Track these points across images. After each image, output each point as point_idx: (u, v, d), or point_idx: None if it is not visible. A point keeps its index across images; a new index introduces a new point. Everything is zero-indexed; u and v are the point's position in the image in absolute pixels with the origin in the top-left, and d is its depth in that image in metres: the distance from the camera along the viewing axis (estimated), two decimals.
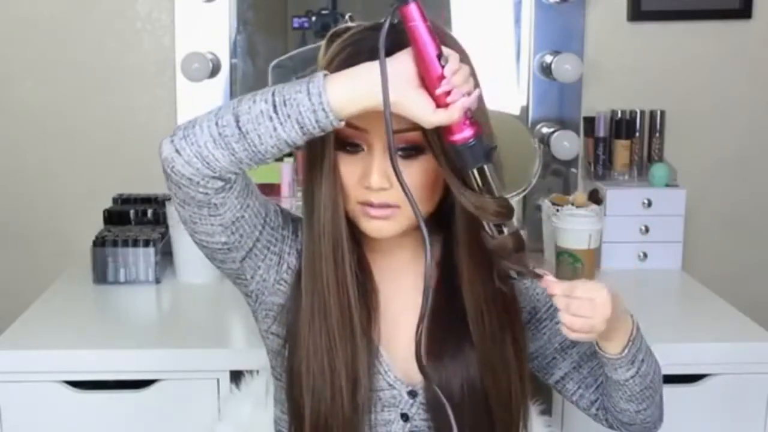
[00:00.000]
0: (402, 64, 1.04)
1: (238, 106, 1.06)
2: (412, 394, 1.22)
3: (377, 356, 1.21)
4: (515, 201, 2.26)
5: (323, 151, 1.15)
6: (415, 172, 1.14)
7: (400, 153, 1.12)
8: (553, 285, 1.13)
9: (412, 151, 1.14)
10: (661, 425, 1.35)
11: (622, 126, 2.31)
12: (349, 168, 1.15)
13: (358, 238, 1.22)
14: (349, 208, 1.17)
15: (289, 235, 1.22)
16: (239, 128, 1.05)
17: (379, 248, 1.24)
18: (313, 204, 1.17)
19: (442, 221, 1.23)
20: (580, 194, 2.14)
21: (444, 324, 1.22)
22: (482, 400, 1.21)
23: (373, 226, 1.17)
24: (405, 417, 1.22)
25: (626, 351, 1.19)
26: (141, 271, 2.12)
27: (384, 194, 1.14)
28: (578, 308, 1.11)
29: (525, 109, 2.36)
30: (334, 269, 1.18)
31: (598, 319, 1.11)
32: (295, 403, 1.20)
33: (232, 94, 2.32)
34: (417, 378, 1.21)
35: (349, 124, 1.10)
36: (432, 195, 1.18)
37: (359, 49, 1.12)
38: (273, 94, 1.05)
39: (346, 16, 2.30)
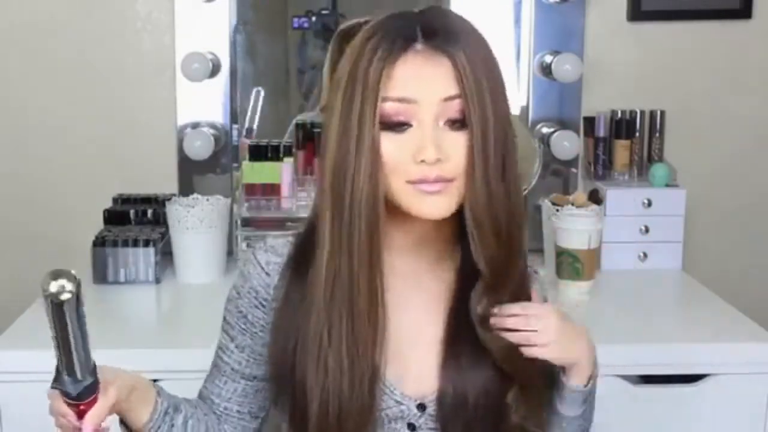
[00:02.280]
0: None
1: None
2: (421, 407, 1.20)
3: (382, 381, 1.17)
4: None
5: (361, 129, 1.09)
6: (466, 145, 1.10)
7: (448, 123, 1.10)
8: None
9: (462, 122, 1.10)
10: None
11: (622, 126, 2.31)
12: (397, 145, 1.09)
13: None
14: (396, 190, 1.11)
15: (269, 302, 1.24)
16: None
17: (397, 247, 1.20)
18: (345, 184, 1.11)
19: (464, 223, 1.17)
20: (580, 194, 2.14)
21: (463, 334, 1.20)
22: (500, 407, 1.19)
23: (429, 203, 1.11)
24: (412, 427, 1.21)
25: (588, 385, 1.22)
26: (141, 271, 2.12)
27: (439, 167, 1.09)
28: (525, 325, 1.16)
29: (525, 109, 2.36)
30: (368, 250, 1.12)
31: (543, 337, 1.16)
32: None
33: (232, 94, 2.32)
34: (428, 391, 1.20)
35: (394, 99, 1.08)
36: None
37: (389, 29, 1.12)
38: None
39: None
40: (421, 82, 1.09)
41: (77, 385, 1.09)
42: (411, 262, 1.22)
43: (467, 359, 1.18)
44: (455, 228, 1.18)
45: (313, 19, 2.36)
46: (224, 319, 1.29)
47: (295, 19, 2.37)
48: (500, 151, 1.12)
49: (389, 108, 1.09)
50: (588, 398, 1.24)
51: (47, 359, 1.73)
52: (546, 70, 2.28)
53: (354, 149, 1.10)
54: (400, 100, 1.09)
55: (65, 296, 1.01)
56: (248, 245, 2.19)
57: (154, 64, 2.34)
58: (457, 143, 1.10)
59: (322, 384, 1.14)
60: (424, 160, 1.08)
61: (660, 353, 1.79)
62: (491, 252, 1.14)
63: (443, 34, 1.10)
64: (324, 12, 2.36)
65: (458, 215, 1.14)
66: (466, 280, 1.20)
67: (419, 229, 1.18)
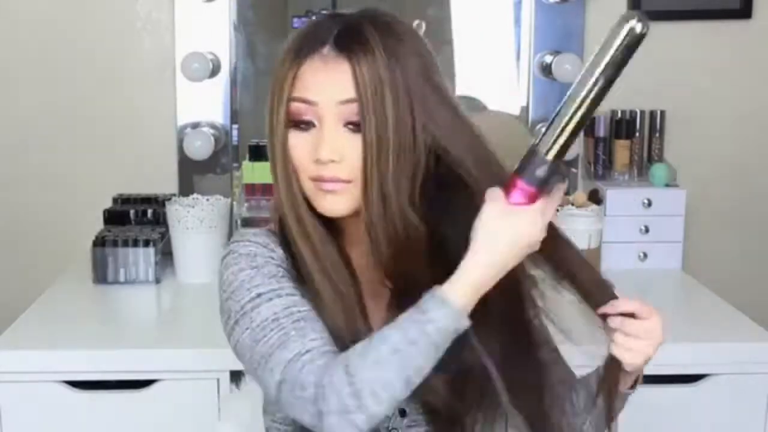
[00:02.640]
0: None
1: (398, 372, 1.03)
2: (402, 412, 1.21)
3: None
4: None
5: (275, 131, 1.14)
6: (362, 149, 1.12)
7: (349, 126, 1.12)
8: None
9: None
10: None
11: (622, 126, 2.31)
12: (300, 144, 1.13)
13: (333, 234, 1.19)
14: (305, 187, 1.15)
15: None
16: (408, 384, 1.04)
17: (355, 241, 1.20)
18: (277, 183, 1.17)
19: None
20: (580, 194, 2.14)
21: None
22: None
23: (327, 201, 1.14)
24: (402, 412, 1.22)
25: (634, 389, 1.26)
26: (141, 271, 2.12)
27: (335, 167, 1.12)
28: (633, 330, 1.20)
29: (525, 109, 2.36)
30: (309, 244, 1.16)
31: (650, 343, 1.20)
32: None
33: (232, 94, 2.32)
34: None
35: (298, 99, 1.12)
36: None
37: (310, 30, 1.15)
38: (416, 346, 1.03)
39: None
40: (320, 85, 1.11)
41: (545, 168, 1.06)
42: (366, 256, 1.20)
43: None
44: None
45: (313, 19, 2.36)
46: (261, 295, 1.14)
47: (295, 19, 2.37)
48: (406, 161, 1.11)
49: (294, 107, 1.13)
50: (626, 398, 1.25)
51: (47, 359, 1.75)
52: (546, 70, 2.28)
53: (273, 146, 1.15)
54: (303, 100, 1.12)
55: (645, 30, 1.04)
56: None
57: (154, 64, 2.34)
58: (355, 146, 1.11)
59: None
60: (319, 159, 1.12)
61: (660, 353, 1.78)
62: (386, 262, 1.14)
63: (353, 38, 1.12)
64: (324, 12, 2.35)
65: None
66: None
67: (359, 224, 1.17)
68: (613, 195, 2.22)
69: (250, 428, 1.44)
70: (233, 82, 2.32)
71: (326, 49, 1.12)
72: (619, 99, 2.35)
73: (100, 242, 2.11)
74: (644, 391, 1.78)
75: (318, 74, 1.12)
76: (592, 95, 1.04)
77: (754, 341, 1.82)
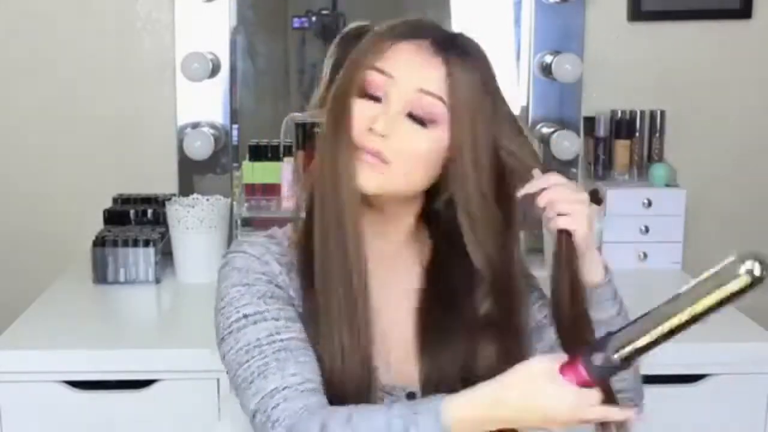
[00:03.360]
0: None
1: None
2: (411, 395, 1.21)
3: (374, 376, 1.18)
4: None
5: (344, 96, 1.14)
6: (421, 139, 1.13)
7: (411, 116, 1.13)
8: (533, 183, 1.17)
9: (427, 122, 1.13)
10: (641, 401, 1.32)
11: (622, 126, 2.31)
12: (363, 113, 1.13)
13: None
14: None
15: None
16: None
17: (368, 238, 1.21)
18: (336, 152, 1.14)
19: (431, 221, 1.24)
20: None
21: (433, 314, 1.22)
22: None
23: (363, 172, 1.13)
24: (411, 395, 1.21)
25: (608, 278, 1.25)
26: (141, 271, 2.12)
27: (380, 142, 1.12)
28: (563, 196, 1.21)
29: (525, 109, 2.36)
30: (354, 224, 1.15)
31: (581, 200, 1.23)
32: None
33: (232, 94, 2.32)
34: (413, 378, 1.20)
35: (378, 69, 1.12)
36: (426, 171, 1.16)
37: (407, 26, 1.16)
38: None
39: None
40: (408, 66, 1.12)
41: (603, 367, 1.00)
42: (380, 246, 1.22)
43: (440, 341, 1.20)
44: (419, 209, 1.23)
45: (313, 19, 2.36)
46: (248, 316, 1.19)
47: (295, 19, 2.38)
48: (485, 169, 1.15)
49: (370, 77, 1.13)
50: (616, 295, 1.26)
51: (47, 359, 1.75)
52: (546, 70, 2.28)
53: (337, 113, 1.14)
54: (382, 71, 1.13)
55: (764, 273, 0.99)
56: None
57: (154, 64, 2.34)
58: (407, 135, 1.12)
59: (328, 366, 1.16)
60: (373, 129, 1.11)
61: (660, 353, 1.78)
62: (489, 252, 1.18)
63: (452, 43, 1.15)
64: (324, 12, 2.36)
65: (421, 198, 1.20)
66: (437, 279, 1.23)
67: (382, 214, 1.20)
68: (613, 195, 2.22)
69: (250, 428, 1.44)
70: (233, 82, 2.32)
71: (425, 44, 1.14)
72: (619, 99, 2.35)
73: (100, 242, 2.11)
74: (645, 391, 1.78)
75: (410, 56, 1.13)
76: (683, 325, 1.03)
77: (754, 341, 1.82)
